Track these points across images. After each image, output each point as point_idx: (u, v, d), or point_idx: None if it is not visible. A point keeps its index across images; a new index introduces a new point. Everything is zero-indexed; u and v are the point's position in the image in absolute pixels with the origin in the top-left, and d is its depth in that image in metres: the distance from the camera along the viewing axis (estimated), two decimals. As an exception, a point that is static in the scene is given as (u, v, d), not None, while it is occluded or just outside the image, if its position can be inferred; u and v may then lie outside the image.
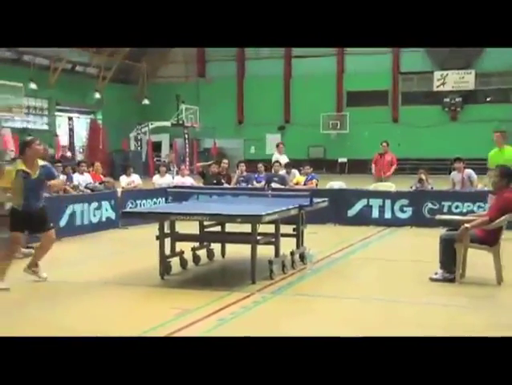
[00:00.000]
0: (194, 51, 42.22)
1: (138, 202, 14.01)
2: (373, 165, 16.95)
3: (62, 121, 36.85)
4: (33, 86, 31.36)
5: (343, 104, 39.80)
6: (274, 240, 8.30)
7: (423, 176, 15.05)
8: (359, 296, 7.42)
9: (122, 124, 36.92)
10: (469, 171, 13.84)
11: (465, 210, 12.66)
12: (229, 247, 9.46)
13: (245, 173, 16.28)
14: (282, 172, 15.80)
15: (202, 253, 9.25)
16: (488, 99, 37.91)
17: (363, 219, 13.52)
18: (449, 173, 14.88)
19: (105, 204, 13.01)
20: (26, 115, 33.54)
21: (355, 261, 9.90)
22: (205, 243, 9.33)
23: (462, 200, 13.04)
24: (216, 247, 9.50)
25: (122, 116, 37.86)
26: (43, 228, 7.98)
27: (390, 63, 38.90)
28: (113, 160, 32.62)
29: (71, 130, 35.36)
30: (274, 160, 16.73)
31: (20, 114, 29.92)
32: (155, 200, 14.42)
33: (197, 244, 9.17)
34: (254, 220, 7.60)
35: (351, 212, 13.71)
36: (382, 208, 13.54)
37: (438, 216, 10.14)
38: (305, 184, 14.83)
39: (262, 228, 8.08)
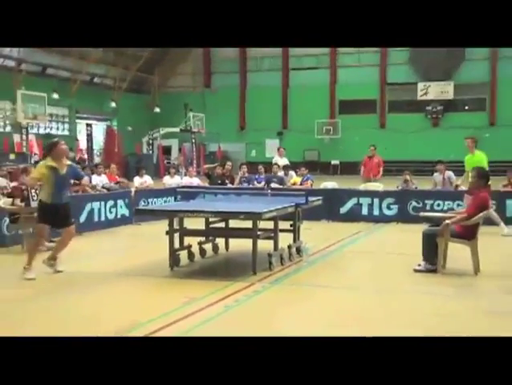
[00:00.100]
0: (201, 64, 42.26)
1: (150, 200, 13.99)
2: (362, 167, 16.91)
3: (81, 127, 36.83)
4: (55, 96, 31.32)
5: (336, 112, 39.72)
6: (273, 235, 8.29)
7: (408, 177, 15.06)
8: (351, 285, 7.40)
9: (135, 130, 36.90)
10: (449, 172, 13.86)
11: (445, 208, 12.64)
12: (233, 241, 9.44)
13: (246, 174, 16.26)
14: (281, 173, 15.78)
15: (208, 246, 9.22)
16: (466, 108, 37.88)
17: (353, 216, 13.50)
18: (432, 174, 14.86)
19: (120, 202, 12.99)
20: (49, 122, 33.53)
21: (347, 254, 9.88)
22: (210, 238, 9.31)
23: (443, 199, 13.03)
24: (220, 241, 9.47)
25: (135, 123, 37.84)
26: (66, 223, 7.94)
27: (378, 75, 38.87)
28: (127, 162, 32.57)
29: (90, 135, 35.38)
30: (274, 162, 16.75)
31: (44, 121, 29.88)
32: (165, 198, 14.39)
33: (203, 238, 9.15)
34: (255, 217, 7.59)
35: (343, 210, 13.69)
36: (371, 206, 13.52)
37: (421, 213, 10.13)
38: (301, 184, 14.80)
39: (262, 224, 8.07)
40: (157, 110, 38.47)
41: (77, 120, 36.62)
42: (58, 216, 7.80)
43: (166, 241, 8.16)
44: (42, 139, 31.28)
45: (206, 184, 15.81)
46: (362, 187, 15.03)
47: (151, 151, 37.62)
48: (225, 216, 8.59)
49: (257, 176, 16.26)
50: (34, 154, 28.57)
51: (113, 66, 37.59)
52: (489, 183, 8.27)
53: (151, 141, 37.92)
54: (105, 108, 37.65)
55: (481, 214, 7.75)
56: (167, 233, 8.18)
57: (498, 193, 12.22)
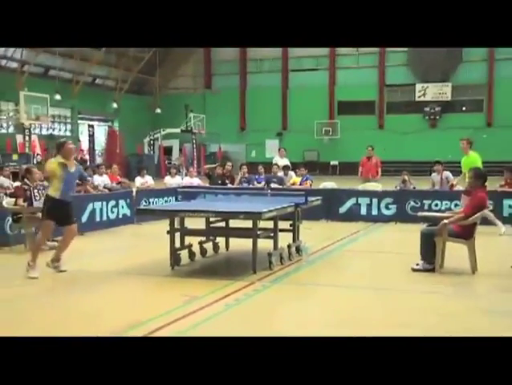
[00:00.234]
0: (202, 66, 42.31)
1: (151, 200, 13.98)
2: (360, 167, 16.88)
3: (83, 128, 36.84)
4: (58, 97, 31.32)
5: (335, 113, 39.75)
6: (272, 234, 8.28)
7: (406, 177, 15.07)
8: (350, 284, 7.40)
9: (137, 131, 36.92)
10: (446, 173, 13.85)
11: (443, 208, 12.64)
12: (233, 241, 9.43)
13: (246, 175, 16.25)
14: (280, 173, 15.77)
15: (208, 246, 9.22)
16: (463, 109, 37.90)
17: (352, 216, 13.50)
18: (430, 175, 14.86)
19: (121, 202, 12.98)
20: (52, 123, 33.56)
21: (346, 253, 9.87)
22: (211, 237, 9.31)
23: (441, 199, 13.03)
24: (221, 241, 9.47)
25: (137, 124, 37.84)
26: (68, 221, 7.95)
27: (376, 76, 38.91)
28: (129, 162, 32.61)
29: (92, 136, 35.36)
30: (274, 162, 16.74)
31: (46, 122, 29.88)
32: (166, 198, 14.38)
33: (203, 238, 9.15)
34: (255, 216, 7.58)
35: (342, 210, 13.68)
36: (369, 206, 13.51)
37: (419, 213, 10.11)
38: (300, 185, 14.79)
39: (262, 224, 8.07)
40: (158, 111, 38.49)
41: (79, 121, 36.65)
42: (61, 213, 7.82)
43: (167, 240, 8.16)
44: (45, 139, 31.33)
45: (207, 185, 15.81)
46: (361, 187, 15.02)
47: (152, 152, 37.65)
48: (226, 216, 8.58)
49: (257, 177, 16.25)
50: (37, 154, 28.58)
51: (115, 67, 37.66)
52: (486, 184, 8.25)
53: (152, 142, 37.96)
54: (107, 109, 37.67)
55: (478, 214, 7.75)
56: (168, 232, 8.17)
57: (495, 193, 12.21)
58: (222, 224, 9.30)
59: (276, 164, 16.21)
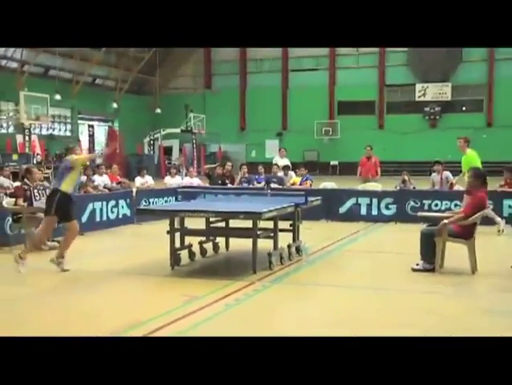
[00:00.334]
0: (202, 66, 42.33)
1: (151, 200, 13.98)
2: (359, 167, 16.86)
3: (83, 128, 36.85)
4: (58, 97, 31.33)
5: (335, 113, 39.77)
6: (272, 234, 8.28)
7: (406, 177, 15.08)
8: (350, 284, 7.40)
9: (137, 131, 36.93)
10: (446, 173, 13.85)
11: (443, 208, 12.64)
12: (233, 241, 9.43)
13: (246, 175, 16.24)
14: (280, 173, 15.77)
15: (208, 246, 9.22)
16: (463, 109, 37.91)
17: (352, 216, 13.49)
18: (429, 175, 14.86)
19: (121, 202, 12.98)
20: (52, 123, 33.57)
21: (346, 253, 9.87)
22: (210, 237, 9.31)
23: (441, 199, 13.03)
24: (221, 241, 9.47)
25: (137, 124, 37.85)
26: (69, 218, 8.07)
27: (376, 76, 38.92)
28: (129, 162, 32.59)
29: (92, 136, 35.37)
30: (274, 162, 16.74)
31: (46, 122, 29.88)
32: (166, 198, 14.38)
33: (203, 238, 9.15)
34: (255, 216, 7.58)
35: (342, 210, 13.68)
36: (369, 206, 13.51)
37: (419, 213, 10.11)
38: (300, 185, 14.78)
39: (262, 224, 8.07)
40: (158, 111, 38.51)
41: (79, 121, 36.67)
42: (68, 209, 7.99)
43: (167, 240, 8.16)
44: (45, 140, 31.35)
45: (207, 185, 15.81)
46: (360, 187, 15.02)
47: (152, 152, 37.66)
48: (226, 216, 8.58)
49: (257, 177, 16.25)
50: (37, 154, 28.59)
51: (115, 67, 37.65)
52: (487, 182, 8.25)
53: (152, 142, 37.96)
54: (107, 109, 37.67)
55: (478, 214, 7.75)
56: (168, 232, 8.17)
57: (495, 193, 12.21)
58: (222, 224, 9.30)
59: (276, 164, 16.21)
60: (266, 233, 8.27)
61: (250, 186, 15.26)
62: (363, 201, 13.57)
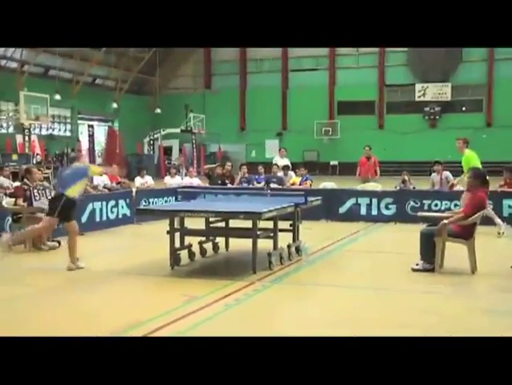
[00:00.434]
0: (202, 66, 42.34)
1: (151, 200, 13.98)
2: (359, 167, 16.86)
3: (83, 128, 36.85)
4: (57, 97, 31.33)
5: (335, 113, 39.78)
6: (272, 234, 8.28)
7: (406, 177, 15.09)
8: (350, 284, 7.40)
9: (137, 131, 36.93)
10: (446, 173, 13.85)
11: (443, 208, 12.64)
12: (233, 241, 9.43)
13: (246, 175, 16.25)
14: (280, 173, 15.77)
15: (208, 246, 9.21)
16: (463, 109, 37.93)
17: (352, 216, 13.49)
18: (429, 175, 14.86)
19: (121, 202, 12.98)
20: (52, 123, 33.56)
21: (346, 253, 9.87)
22: (210, 237, 9.31)
23: (441, 199, 13.03)
24: (220, 241, 9.47)
25: (137, 124, 37.87)
26: (69, 218, 8.13)
27: (376, 76, 38.93)
28: (129, 162, 32.60)
29: (91, 136, 35.37)
30: (274, 162, 16.75)
31: (46, 122, 29.89)
32: (166, 198, 14.38)
33: (203, 238, 9.15)
34: (255, 216, 7.58)
35: (342, 210, 13.68)
36: (369, 206, 13.51)
37: (419, 213, 10.11)
38: (300, 185, 14.78)
39: (261, 224, 8.06)
40: (158, 111, 38.52)
41: (79, 121, 36.67)
42: (71, 211, 8.10)
43: (167, 240, 8.16)
44: (45, 140, 31.35)
45: (207, 185, 15.81)
46: (360, 187, 15.03)
47: (152, 152, 37.67)
48: (226, 216, 8.58)
49: (256, 177, 16.25)
50: (37, 154, 28.59)
51: (115, 67, 37.65)
52: (488, 182, 8.24)
53: (152, 142, 37.98)
54: (107, 109, 37.67)
55: (477, 214, 7.75)
56: (168, 232, 8.17)
57: (495, 193, 12.21)
58: (222, 224, 9.30)
59: (276, 164, 16.22)
60: (266, 233, 8.27)
61: (250, 186, 15.27)
62: (363, 201, 13.57)
